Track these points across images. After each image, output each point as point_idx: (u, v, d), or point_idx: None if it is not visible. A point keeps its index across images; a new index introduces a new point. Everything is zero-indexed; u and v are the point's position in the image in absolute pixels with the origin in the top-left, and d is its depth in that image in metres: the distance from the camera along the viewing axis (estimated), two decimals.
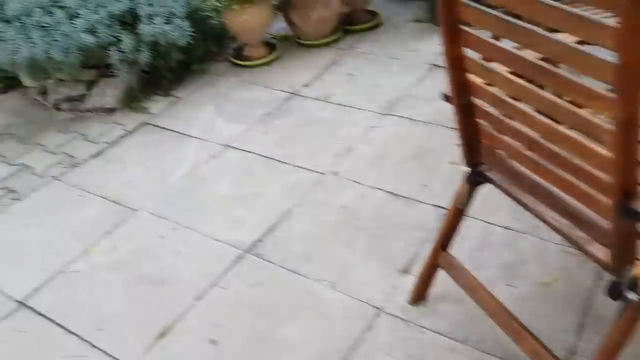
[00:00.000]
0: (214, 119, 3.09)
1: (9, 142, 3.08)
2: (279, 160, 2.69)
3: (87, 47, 2.90)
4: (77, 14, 2.86)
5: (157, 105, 3.27)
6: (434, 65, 3.25)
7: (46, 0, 2.85)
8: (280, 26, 3.74)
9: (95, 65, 3.17)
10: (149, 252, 2.24)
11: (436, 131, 2.73)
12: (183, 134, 2.99)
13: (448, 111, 2.76)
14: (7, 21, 2.87)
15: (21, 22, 2.84)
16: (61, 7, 2.86)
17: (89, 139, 3.04)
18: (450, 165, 2.49)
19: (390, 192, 2.39)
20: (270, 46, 3.62)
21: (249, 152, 2.78)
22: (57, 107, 3.28)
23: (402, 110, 2.91)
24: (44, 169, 2.82)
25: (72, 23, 2.84)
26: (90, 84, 3.26)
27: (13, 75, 3.46)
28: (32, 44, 2.83)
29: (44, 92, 3.36)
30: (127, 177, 2.72)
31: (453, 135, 2.80)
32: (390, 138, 2.74)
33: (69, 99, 3.24)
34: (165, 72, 3.34)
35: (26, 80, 3.41)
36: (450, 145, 2.63)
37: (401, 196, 2.36)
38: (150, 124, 3.11)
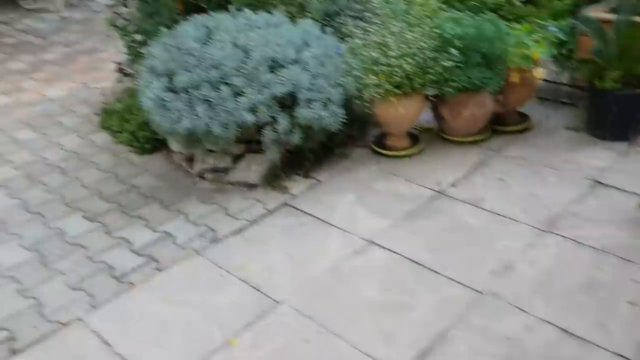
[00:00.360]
0: (355, 208, 2.98)
1: (153, 205, 3.12)
2: (429, 268, 2.50)
3: (245, 124, 2.92)
4: (242, 92, 2.90)
5: (297, 186, 3.22)
6: (597, 182, 3.00)
7: (215, 76, 2.92)
8: (423, 118, 3.64)
9: (245, 140, 3.19)
10: (294, 356, 2.09)
11: (608, 260, 2.45)
12: (324, 221, 2.89)
13: (621, 240, 2.47)
14: (175, 92, 2.97)
15: (188, 95, 2.92)
16: (228, 84, 2.92)
17: (230, 213, 3.01)
18: (630, 305, 2.21)
19: (562, 329, 2.12)
20: (413, 138, 3.52)
21: (395, 253, 2.62)
22: (201, 176, 3.31)
23: (565, 230, 2.66)
24: (186, 241, 2.80)
25: (236, 100, 2.88)
26: (237, 158, 3.27)
27: (160, 137, 3.58)
28: (195, 116, 2.89)
29: (189, 159, 3.42)
30: (268, 261, 2.63)
31: (628, 268, 2.55)
32: (555, 261, 2.49)
33: (214, 170, 3.26)
34: (308, 154, 3.30)
35: (174, 145, 3.50)
36: (627, 280, 2.35)
37: (575, 336, 2.09)
38: (291, 206, 3.05)
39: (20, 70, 5.29)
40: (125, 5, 3.97)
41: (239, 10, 3.41)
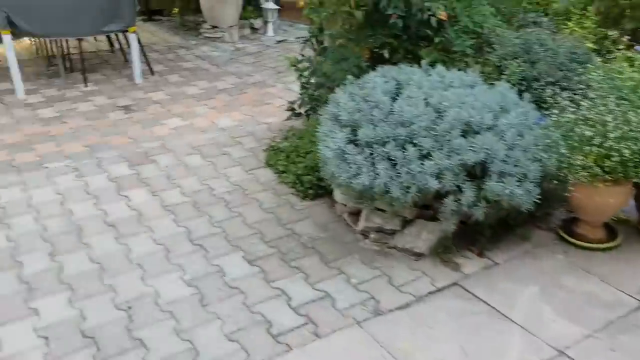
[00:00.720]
0: (540, 305, 2.58)
1: (313, 258, 2.96)
2: None
3: (427, 190, 2.67)
4: (429, 155, 2.67)
5: (469, 264, 2.89)
6: None
7: (402, 134, 2.73)
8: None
9: (420, 205, 2.94)
10: None
11: None
12: (502, 314, 2.53)
13: None
14: (357, 144, 2.81)
15: (371, 150, 2.75)
16: (415, 145, 2.70)
17: (394, 283, 2.75)
18: None
19: None
20: (609, 229, 3.05)
21: None
22: (364, 234, 3.11)
23: None
24: (347, 306, 2.58)
25: (422, 163, 2.65)
26: (406, 222, 3.03)
27: (325, 185, 3.45)
28: (374, 174, 2.70)
29: (353, 214, 3.24)
30: (437, 351, 2.32)
31: None
32: None
33: (380, 230, 3.04)
34: (485, 229, 2.97)
35: (338, 196, 3.34)
36: None
37: None
38: (462, 287, 2.72)
39: (195, 95, 5.54)
40: (314, 49, 3.95)
41: (431, 65, 3.21)
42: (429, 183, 2.66)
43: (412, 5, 3.27)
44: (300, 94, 4.37)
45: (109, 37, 6.73)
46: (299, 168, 3.68)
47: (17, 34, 5.06)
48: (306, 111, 4.38)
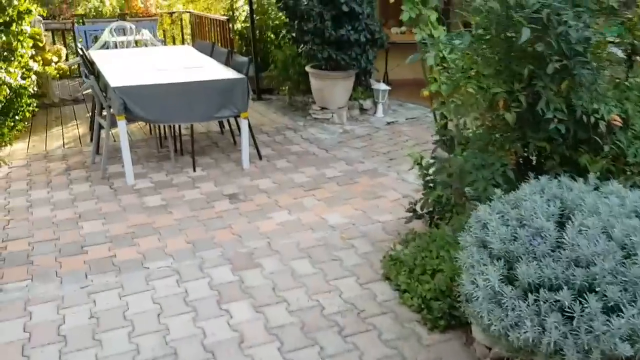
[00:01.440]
0: None
1: None
2: None
3: (615, 356, 2.01)
4: (618, 309, 2.03)
5: None
6: None
7: (578, 277, 2.11)
8: None
9: None
10: None
11: None
12: None
13: None
14: (516, 284, 2.23)
15: (536, 295, 2.16)
16: (596, 293, 2.08)
17: None
18: None
19: None
20: None
21: None
22: None
23: None
24: None
25: (608, 320, 2.01)
26: None
27: (458, 313, 2.86)
28: (539, 327, 2.09)
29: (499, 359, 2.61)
30: None
31: None
32: None
33: None
34: None
35: (478, 333, 2.73)
36: None
37: None
38: None
39: (303, 184, 5.20)
40: (447, 149, 3.47)
41: (601, 180, 2.60)
42: (619, 348, 2.00)
43: (576, 107, 2.70)
44: (423, 194, 3.86)
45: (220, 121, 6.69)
46: (425, 290, 3.11)
47: (131, 119, 5.05)
48: (429, 212, 3.87)
